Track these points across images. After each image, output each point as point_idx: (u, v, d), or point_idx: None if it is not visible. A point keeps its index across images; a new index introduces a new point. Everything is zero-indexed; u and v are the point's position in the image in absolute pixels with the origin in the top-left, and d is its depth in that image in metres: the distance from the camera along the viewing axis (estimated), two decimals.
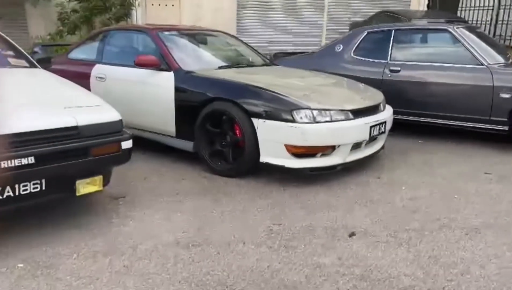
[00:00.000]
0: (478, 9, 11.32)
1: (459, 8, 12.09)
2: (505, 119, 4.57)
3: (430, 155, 4.47)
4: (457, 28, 5.02)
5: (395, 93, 5.20)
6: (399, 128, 5.47)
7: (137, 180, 3.57)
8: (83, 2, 9.56)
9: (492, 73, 4.61)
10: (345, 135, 3.47)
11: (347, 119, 3.51)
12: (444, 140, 5.06)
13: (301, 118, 3.32)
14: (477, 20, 11.03)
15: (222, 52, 4.79)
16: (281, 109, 3.36)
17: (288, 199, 3.25)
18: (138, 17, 11.93)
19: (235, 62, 4.65)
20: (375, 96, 4.10)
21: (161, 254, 2.43)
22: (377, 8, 12.05)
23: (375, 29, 5.64)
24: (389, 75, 5.22)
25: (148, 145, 4.19)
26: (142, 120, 4.11)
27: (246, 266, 2.31)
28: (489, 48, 5.08)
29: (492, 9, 10.80)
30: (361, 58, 5.52)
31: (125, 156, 2.77)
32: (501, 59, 4.89)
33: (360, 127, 3.56)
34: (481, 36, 5.40)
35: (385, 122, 3.89)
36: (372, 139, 3.88)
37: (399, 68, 5.18)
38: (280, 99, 3.42)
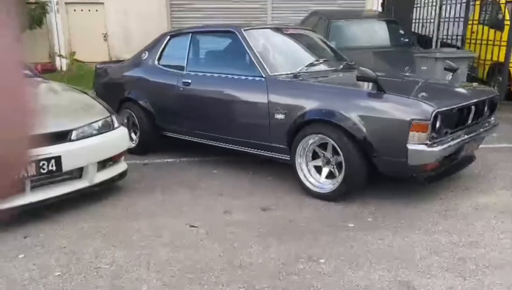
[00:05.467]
0: (426, 7, 10.11)
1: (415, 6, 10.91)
2: (284, 146, 3.50)
3: (180, 194, 3.44)
4: (246, 30, 3.94)
5: (187, 111, 4.21)
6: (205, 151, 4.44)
7: None
8: None
9: (267, 87, 3.55)
10: None
11: None
12: (245, 170, 4.00)
13: None
14: (426, 18, 9.83)
15: None
16: None
17: None
18: (58, 24, 11.29)
19: None
20: (65, 121, 3.08)
21: None
22: (331, 6, 11.09)
23: (176, 33, 4.63)
24: (181, 89, 4.21)
25: None
26: None
27: None
28: (290, 55, 4.01)
29: (435, 6, 9.54)
30: (163, 67, 4.53)
31: None
32: (298, 69, 3.75)
33: None
34: (294, 37, 4.32)
35: (56, 158, 2.87)
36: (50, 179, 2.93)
37: (190, 81, 4.17)
38: None
